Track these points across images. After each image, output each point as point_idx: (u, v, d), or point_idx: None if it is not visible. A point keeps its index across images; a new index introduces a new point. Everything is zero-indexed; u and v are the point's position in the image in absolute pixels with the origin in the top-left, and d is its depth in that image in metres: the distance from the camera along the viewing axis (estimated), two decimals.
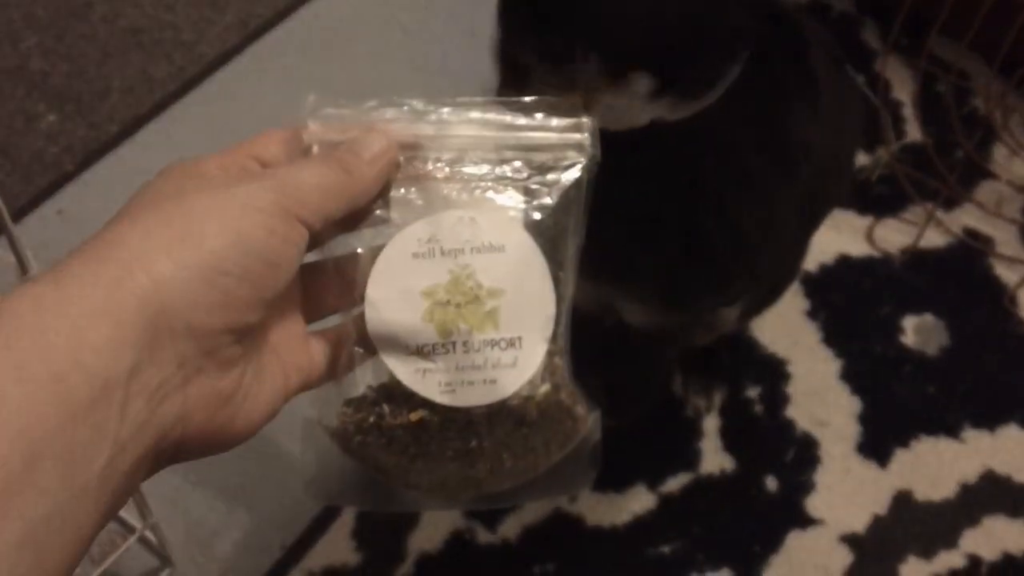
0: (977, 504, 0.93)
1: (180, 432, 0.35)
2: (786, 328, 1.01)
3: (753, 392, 0.98)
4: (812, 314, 1.02)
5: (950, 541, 0.91)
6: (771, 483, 0.93)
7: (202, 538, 0.88)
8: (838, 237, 1.06)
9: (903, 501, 0.92)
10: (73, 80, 1.19)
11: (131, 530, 0.84)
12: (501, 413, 0.40)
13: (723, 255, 0.63)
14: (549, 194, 0.41)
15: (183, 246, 0.34)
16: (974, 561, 0.90)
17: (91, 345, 0.31)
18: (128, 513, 0.86)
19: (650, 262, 0.63)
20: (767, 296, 0.84)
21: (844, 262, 1.06)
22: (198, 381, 0.34)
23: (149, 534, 0.83)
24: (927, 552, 0.90)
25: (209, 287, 0.34)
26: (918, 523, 0.91)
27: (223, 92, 1.20)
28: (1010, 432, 0.97)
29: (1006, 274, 1.06)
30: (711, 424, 0.96)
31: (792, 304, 1.02)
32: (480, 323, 0.40)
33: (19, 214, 1.06)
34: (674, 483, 0.93)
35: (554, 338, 0.41)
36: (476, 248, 0.40)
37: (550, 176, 0.41)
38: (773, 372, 0.99)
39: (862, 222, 1.09)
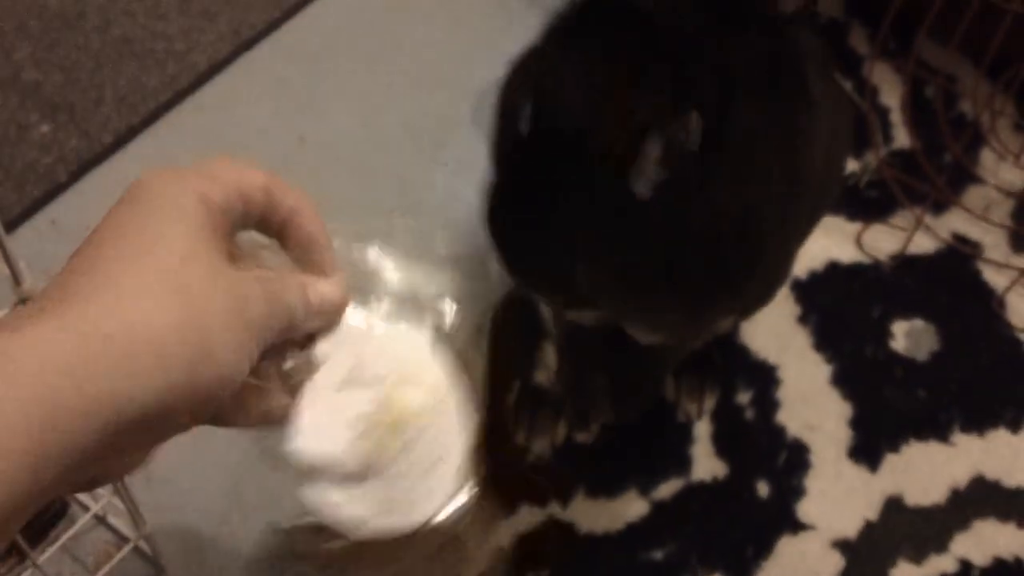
0: (968, 508, 0.93)
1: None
2: (776, 333, 1.02)
3: (744, 397, 0.98)
4: (802, 319, 1.03)
5: (941, 545, 0.91)
6: (763, 488, 0.94)
7: (196, 547, 0.89)
8: (828, 243, 1.07)
9: (894, 505, 0.93)
10: (66, 90, 1.20)
11: (125, 540, 0.84)
12: (415, 537, 0.42)
13: (742, 276, 0.62)
14: (461, 326, 0.43)
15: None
16: (965, 565, 0.90)
17: None
18: (122, 522, 0.86)
19: (670, 295, 0.60)
20: (764, 296, 0.85)
21: (834, 267, 1.06)
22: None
23: (143, 544, 0.84)
24: (918, 556, 0.90)
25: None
26: (909, 527, 0.92)
27: (216, 102, 1.21)
28: (1000, 436, 0.97)
29: (995, 278, 1.07)
30: (703, 429, 0.97)
31: (782, 309, 1.03)
32: (399, 453, 0.41)
33: (12, 224, 1.07)
34: (666, 489, 0.94)
35: (465, 467, 0.43)
36: (396, 380, 0.42)
37: (456, 308, 0.43)
38: (764, 377, 1.00)
39: (851, 227, 1.09)
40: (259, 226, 0.42)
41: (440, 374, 0.43)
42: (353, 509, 0.41)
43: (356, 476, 0.41)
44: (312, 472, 0.41)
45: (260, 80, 1.23)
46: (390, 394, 0.42)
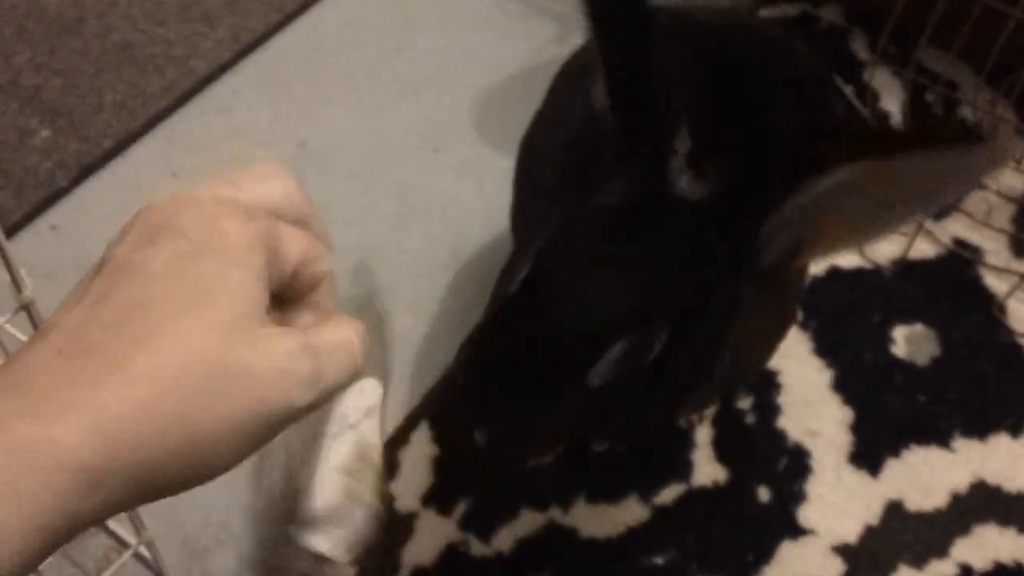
0: (968, 513, 0.93)
1: None
2: None
3: (745, 403, 0.98)
4: (803, 325, 1.03)
5: (941, 550, 0.91)
6: (763, 493, 0.94)
7: (197, 553, 0.89)
8: None
9: (894, 510, 0.93)
10: (66, 95, 1.20)
11: (125, 546, 0.84)
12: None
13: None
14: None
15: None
16: (965, 570, 0.90)
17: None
18: (123, 528, 0.86)
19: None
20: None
21: (834, 273, 1.06)
22: None
23: (144, 550, 0.83)
24: (918, 561, 0.90)
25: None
26: (909, 532, 0.92)
27: (216, 106, 1.21)
28: (1001, 441, 0.98)
29: (995, 284, 1.07)
30: (703, 435, 0.97)
31: None
32: (375, 484, 0.44)
33: (12, 230, 1.07)
34: (667, 494, 0.94)
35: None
36: (365, 413, 0.45)
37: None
38: (764, 382, 1.00)
39: None
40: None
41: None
42: (343, 537, 0.45)
43: (343, 511, 0.45)
44: (317, 520, 0.45)
45: (260, 85, 1.23)
46: (364, 431, 0.46)
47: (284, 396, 0.36)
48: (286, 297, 0.42)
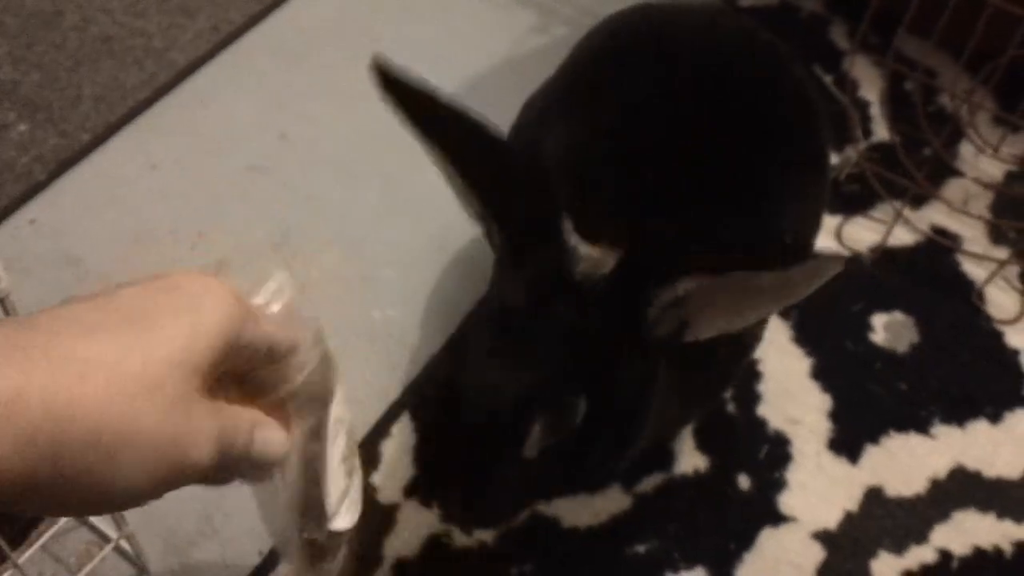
0: (947, 499, 0.94)
1: None
2: None
3: (726, 392, 0.99)
4: (783, 313, 1.03)
5: (921, 536, 0.92)
6: (744, 481, 0.94)
7: (178, 546, 0.89)
8: None
9: (874, 497, 0.94)
10: (44, 89, 1.19)
11: (107, 539, 0.84)
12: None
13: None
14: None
15: None
16: (945, 555, 0.91)
17: None
18: (103, 522, 0.86)
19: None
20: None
21: None
22: None
23: (125, 543, 0.83)
24: (898, 547, 0.91)
25: None
26: (889, 518, 0.93)
27: (195, 99, 1.20)
28: (979, 427, 0.98)
29: (974, 271, 1.08)
30: None
31: None
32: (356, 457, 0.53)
33: None
34: (649, 483, 0.94)
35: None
36: (347, 421, 0.53)
37: None
38: (745, 371, 1.00)
39: (831, 221, 1.10)
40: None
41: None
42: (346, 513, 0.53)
43: (347, 491, 0.52)
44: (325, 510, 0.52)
45: (241, 77, 1.23)
46: (347, 418, 0.52)
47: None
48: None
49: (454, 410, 0.60)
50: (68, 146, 1.13)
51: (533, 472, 0.60)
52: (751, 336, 0.82)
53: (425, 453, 0.60)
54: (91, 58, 1.22)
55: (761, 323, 0.85)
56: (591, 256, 0.63)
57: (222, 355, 0.43)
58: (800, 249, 0.82)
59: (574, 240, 0.63)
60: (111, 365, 0.38)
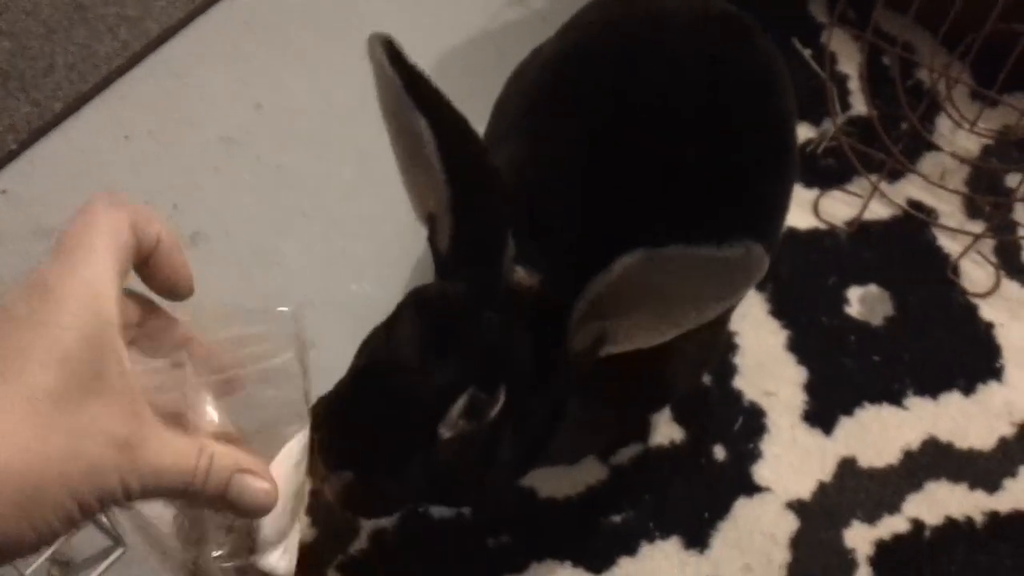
0: (920, 470, 0.95)
1: None
2: None
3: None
4: (759, 286, 1.04)
5: (893, 506, 0.93)
6: (719, 452, 0.95)
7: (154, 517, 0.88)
8: None
9: (848, 468, 0.95)
10: (16, 57, 1.17)
11: None
12: None
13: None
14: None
15: None
16: (917, 525, 0.92)
17: None
18: None
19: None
20: None
21: (791, 235, 1.07)
22: None
23: (100, 515, 0.83)
24: (871, 517, 0.92)
25: None
26: (862, 489, 0.93)
27: (169, 69, 1.19)
28: (952, 399, 0.99)
29: (949, 244, 1.08)
30: None
31: None
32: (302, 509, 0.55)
33: None
34: (625, 454, 0.94)
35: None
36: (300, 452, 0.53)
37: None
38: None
39: (808, 195, 1.10)
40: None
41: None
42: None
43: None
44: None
45: (215, 46, 1.21)
46: (302, 484, 0.53)
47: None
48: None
49: (372, 392, 0.60)
50: (40, 115, 1.11)
51: (432, 471, 0.60)
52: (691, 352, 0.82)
53: (332, 425, 0.58)
54: (64, 26, 1.20)
55: (713, 339, 0.86)
56: (525, 275, 0.65)
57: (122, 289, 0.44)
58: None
59: (512, 258, 0.64)
60: None
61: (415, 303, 0.62)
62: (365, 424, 0.59)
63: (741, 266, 0.56)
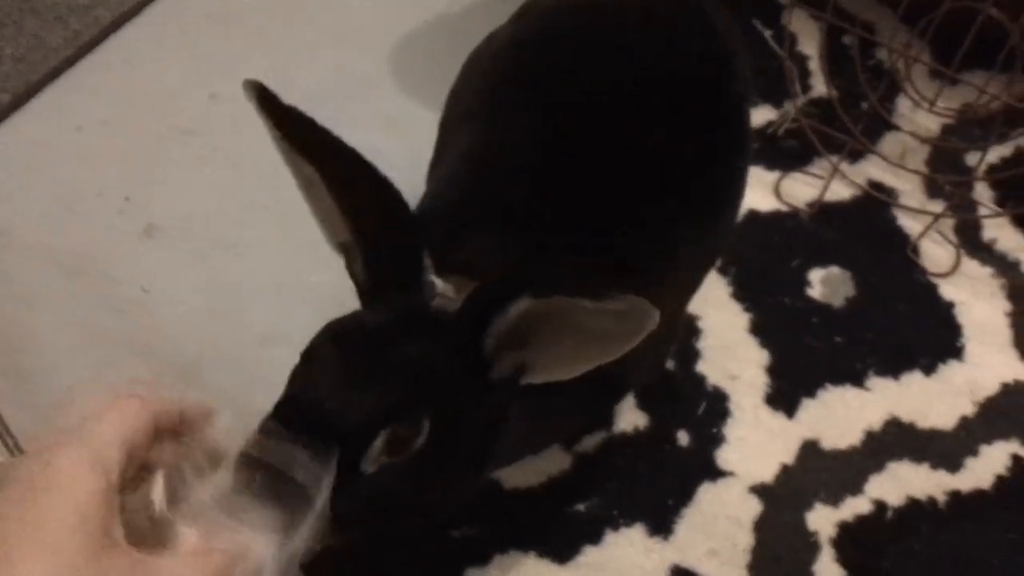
0: (882, 450, 0.95)
1: None
2: None
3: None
4: (722, 269, 1.04)
5: (856, 487, 0.93)
6: (683, 438, 0.95)
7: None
8: (747, 193, 1.07)
9: (810, 450, 0.95)
10: None
11: None
12: None
13: None
14: None
15: None
16: (880, 506, 0.92)
17: None
18: None
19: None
20: None
21: (753, 217, 1.07)
22: None
23: None
24: (834, 499, 0.92)
25: None
26: (825, 471, 0.94)
27: (122, 57, 1.16)
28: (914, 379, 0.99)
29: (909, 224, 1.09)
30: None
31: None
32: None
33: None
34: (589, 442, 0.94)
35: None
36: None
37: None
38: (684, 328, 1.00)
39: (770, 177, 1.10)
40: None
41: None
42: None
43: None
44: None
45: (168, 35, 1.19)
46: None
47: None
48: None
49: (294, 430, 0.58)
50: None
51: (362, 503, 0.59)
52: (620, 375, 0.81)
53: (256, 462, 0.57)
54: (13, 17, 1.18)
55: (669, 331, 0.84)
56: (446, 292, 0.64)
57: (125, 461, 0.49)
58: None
59: (431, 276, 0.63)
60: None
61: (331, 337, 0.61)
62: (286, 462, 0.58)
63: (627, 318, 0.55)
